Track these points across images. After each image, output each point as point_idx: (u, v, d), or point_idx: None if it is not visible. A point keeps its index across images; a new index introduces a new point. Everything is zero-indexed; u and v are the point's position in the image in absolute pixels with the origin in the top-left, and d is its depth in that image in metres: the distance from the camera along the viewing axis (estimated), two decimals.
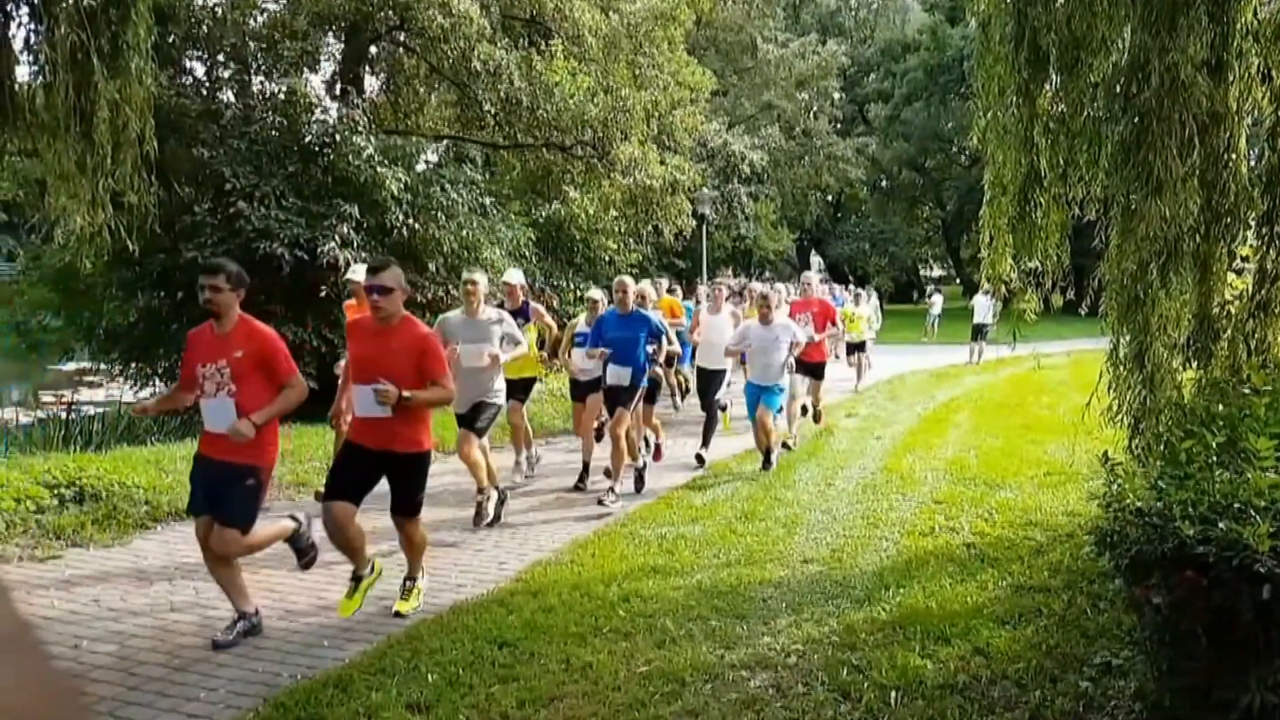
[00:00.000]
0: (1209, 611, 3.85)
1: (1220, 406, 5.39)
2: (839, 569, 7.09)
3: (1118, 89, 6.35)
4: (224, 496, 5.71)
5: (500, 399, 8.99)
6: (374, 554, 6.41)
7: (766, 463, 10.95)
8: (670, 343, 10.42)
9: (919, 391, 18.94)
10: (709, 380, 12.55)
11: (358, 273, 8.29)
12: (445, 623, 6.05)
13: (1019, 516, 8.39)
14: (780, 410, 11.39)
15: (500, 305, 9.86)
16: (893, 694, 4.89)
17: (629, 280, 10.08)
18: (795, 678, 5.16)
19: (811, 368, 13.02)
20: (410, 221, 16.49)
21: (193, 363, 5.84)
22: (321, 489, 7.21)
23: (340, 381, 8.51)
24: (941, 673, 5.13)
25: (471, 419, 8.62)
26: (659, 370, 11.53)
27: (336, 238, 15.37)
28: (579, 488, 10.21)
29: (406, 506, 6.23)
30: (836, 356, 20.01)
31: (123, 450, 10.70)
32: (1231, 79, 6.20)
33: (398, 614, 6.27)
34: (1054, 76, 6.90)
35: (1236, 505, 3.92)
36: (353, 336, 6.56)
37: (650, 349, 9.86)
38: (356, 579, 6.24)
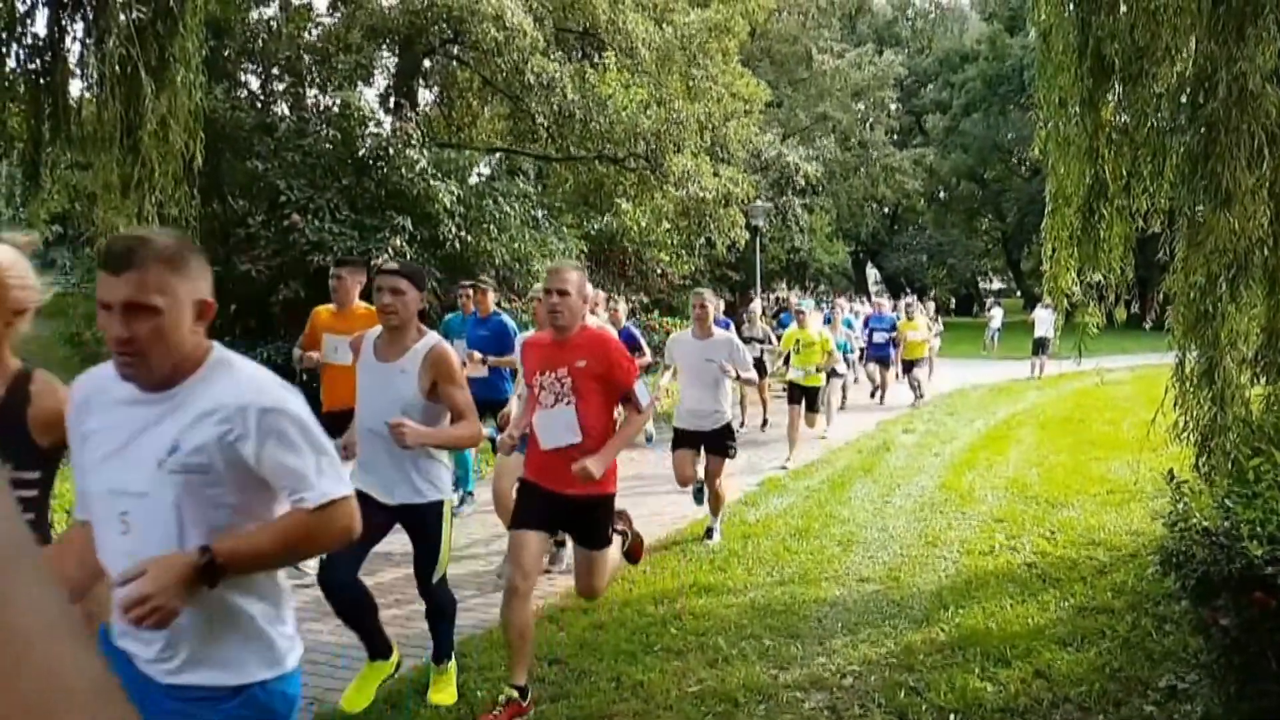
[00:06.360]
0: (1278, 634, 3.75)
1: None
2: (896, 588, 6.98)
3: (1183, 99, 6.25)
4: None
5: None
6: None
7: None
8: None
9: (979, 407, 18.70)
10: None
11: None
12: (495, 639, 6.00)
13: (1082, 536, 8.23)
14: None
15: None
16: (951, 716, 4.79)
17: None
18: (851, 699, 5.07)
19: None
20: (462, 234, 16.57)
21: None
22: None
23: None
24: (1002, 695, 5.02)
25: None
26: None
27: (389, 250, 15.46)
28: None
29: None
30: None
31: None
32: None
33: None
34: (1117, 86, 6.78)
35: None
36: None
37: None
38: None
